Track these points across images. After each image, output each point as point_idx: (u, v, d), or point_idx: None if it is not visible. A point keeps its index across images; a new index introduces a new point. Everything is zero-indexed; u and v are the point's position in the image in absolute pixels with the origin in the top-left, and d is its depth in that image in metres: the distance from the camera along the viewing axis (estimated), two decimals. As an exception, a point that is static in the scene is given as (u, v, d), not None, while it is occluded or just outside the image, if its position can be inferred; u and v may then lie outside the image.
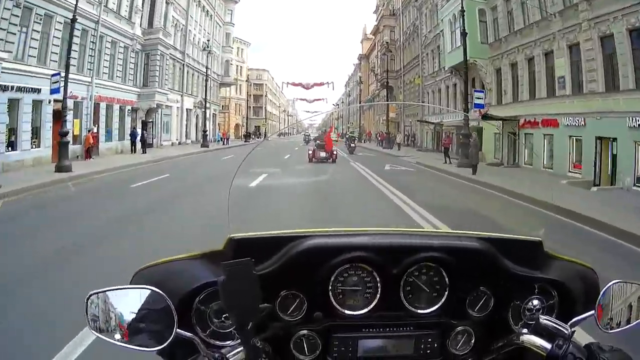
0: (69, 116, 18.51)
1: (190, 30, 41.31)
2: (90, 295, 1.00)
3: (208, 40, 42.97)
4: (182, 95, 39.63)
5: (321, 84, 69.80)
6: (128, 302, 1.00)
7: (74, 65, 19.60)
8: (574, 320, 1.11)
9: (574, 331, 1.01)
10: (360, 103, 72.75)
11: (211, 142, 40.79)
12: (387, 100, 48.80)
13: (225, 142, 44.52)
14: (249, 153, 1.68)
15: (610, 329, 1.11)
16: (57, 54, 19.77)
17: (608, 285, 1.10)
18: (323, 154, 21.35)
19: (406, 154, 26.29)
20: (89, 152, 21.42)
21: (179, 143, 38.34)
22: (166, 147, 33.34)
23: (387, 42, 49.42)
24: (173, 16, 36.27)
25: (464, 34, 20.86)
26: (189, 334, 1.00)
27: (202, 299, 1.13)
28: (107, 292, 1.01)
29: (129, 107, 28.48)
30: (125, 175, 16.06)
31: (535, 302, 1.18)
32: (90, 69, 23.17)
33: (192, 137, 42.29)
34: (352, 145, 29.91)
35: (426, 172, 18.60)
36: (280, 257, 1.16)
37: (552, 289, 1.23)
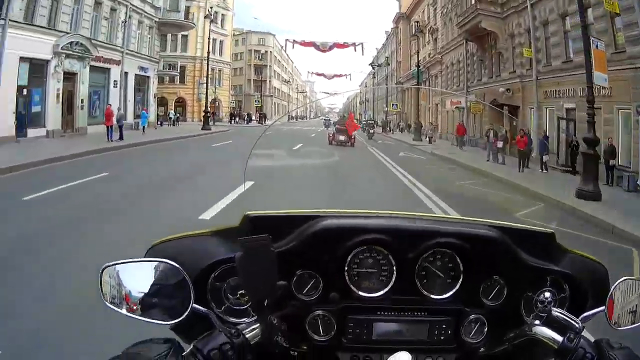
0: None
1: None
2: (105, 267, 1.00)
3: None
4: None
5: (344, 46, 48.44)
6: (144, 275, 1.00)
7: None
8: (584, 315, 1.11)
9: (584, 326, 1.01)
10: (397, 82, 54.62)
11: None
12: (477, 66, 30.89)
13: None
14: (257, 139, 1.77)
15: (619, 327, 1.10)
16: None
17: (618, 282, 1.10)
18: (342, 137, 22.23)
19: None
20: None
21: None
22: None
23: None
24: None
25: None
26: (204, 310, 0.99)
27: (217, 275, 1.13)
28: (122, 265, 1.00)
29: None
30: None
31: (547, 294, 1.17)
32: None
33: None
34: (371, 131, 31.50)
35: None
36: (296, 236, 1.15)
37: (564, 282, 1.22)
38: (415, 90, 47.40)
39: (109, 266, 1.00)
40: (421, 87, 38.19)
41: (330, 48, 42.71)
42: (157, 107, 43.67)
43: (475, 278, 1.19)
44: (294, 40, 42.27)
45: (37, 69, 19.25)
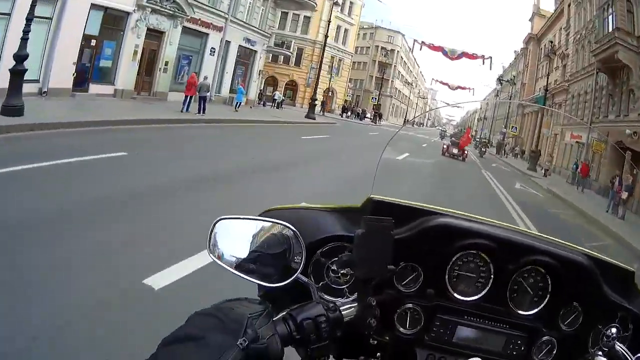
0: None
1: None
2: (219, 220, 1.01)
3: None
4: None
5: (473, 57, 42.44)
6: (257, 233, 1.01)
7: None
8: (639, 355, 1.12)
9: None
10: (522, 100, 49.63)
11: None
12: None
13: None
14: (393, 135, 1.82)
15: None
16: None
17: None
18: (455, 151, 19.98)
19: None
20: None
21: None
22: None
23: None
24: None
25: None
26: (307, 280, 1.00)
27: (324, 251, 1.14)
28: (237, 220, 1.02)
29: None
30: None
31: (614, 329, 1.17)
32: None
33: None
34: (483, 150, 31.29)
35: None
36: (411, 227, 1.17)
37: (630, 321, 1.23)
38: (536, 116, 42.79)
39: (223, 219, 1.01)
40: (547, 108, 32.58)
41: (459, 57, 37.80)
42: (265, 86, 41.60)
43: (558, 301, 1.20)
44: (422, 42, 37.83)
45: (113, 20, 16.43)
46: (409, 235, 1.15)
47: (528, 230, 1.39)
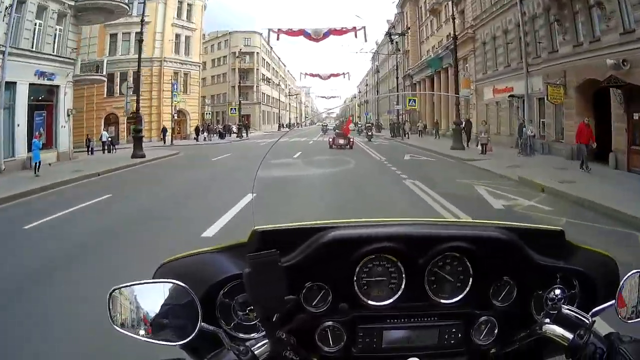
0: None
1: None
2: (113, 291, 1.00)
3: None
4: None
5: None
6: (151, 296, 1.00)
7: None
8: (594, 310, 1.09)
9: (594, 321, 1.01)
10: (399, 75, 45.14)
11: None
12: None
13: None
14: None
15: (630, 320, 1.10)
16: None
17: (629, 275, 1.09)
18: (342, 141, 22.79)
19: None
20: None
21: None
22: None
23: None
24: None
25: None
26: (213, 328, 0.99)
27: (226, 292, 1.13)
28: (130, 287, 1.00)
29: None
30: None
31: (557, 291, 1.16)
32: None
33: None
34: (370, 134, 30.89)
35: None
36: (305, 248, 1.14)
37: (573, 278, 1.23)
38: (432, 81, 37.71)
39: (117, 289, 1.00)
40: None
41: (325, 36, 31.50)
42: (107, 128, 34.99)
43: (484, 280, 1.19)
44: (279, 30, 31.18)
45: None
46: (304, 257, 1.12)
47: (434, 219, 1.38)
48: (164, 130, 32.83)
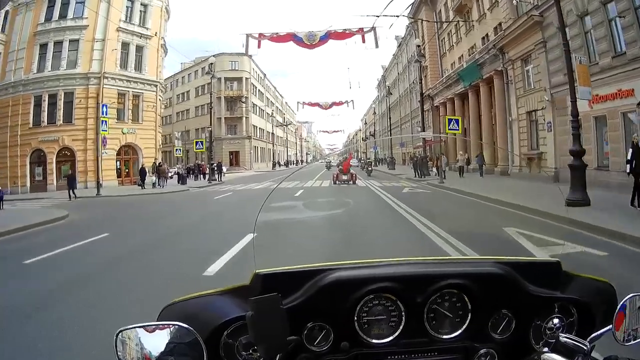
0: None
1: None
2: (119, 332, 1.01)
3: None
4: None
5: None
6: (157, 337, 1.01)
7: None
8: (592, 335, 1.11)
9: (594, 346, 1.03)
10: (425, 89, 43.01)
11: None
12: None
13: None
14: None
15: (627, 342, 1.11)
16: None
17: (625, 299, 1.10)
18: (345, 177, 23.21)
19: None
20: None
21: None
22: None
23: None
24: None
25: None
26: None
27: (230, 333, 1.14)
28: (136, 329, 1.01)
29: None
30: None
31: (556, 320, 1.18)
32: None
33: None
34: (370, 169, 30.96)
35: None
36: (306, 290, 1.16)
37: (571, 307, 1.23)
38: (461, 103, 29.27)
39: (123, 330, 1.01)
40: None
41: (322, 40, 23.49)
42: (33, 168, 26.17)
43: (483, 314, 1.19)
44: (260, 35, 22.31)
45: None
46: (306, 299, 1.14)
47: (433, 258, 1.42)
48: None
